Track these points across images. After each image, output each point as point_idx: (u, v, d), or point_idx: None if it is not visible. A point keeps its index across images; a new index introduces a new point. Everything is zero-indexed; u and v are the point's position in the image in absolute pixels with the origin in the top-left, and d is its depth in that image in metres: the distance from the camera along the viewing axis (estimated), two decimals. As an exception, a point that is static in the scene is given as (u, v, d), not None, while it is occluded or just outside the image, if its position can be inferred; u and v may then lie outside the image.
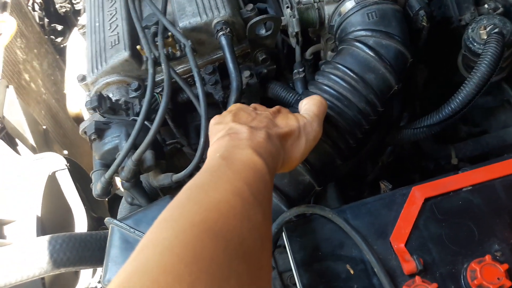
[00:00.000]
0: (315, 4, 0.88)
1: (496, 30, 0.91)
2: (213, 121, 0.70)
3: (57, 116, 1.66)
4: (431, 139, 1.15)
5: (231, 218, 0.49)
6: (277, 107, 0.73)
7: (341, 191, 1.16)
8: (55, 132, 1.56)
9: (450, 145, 1.15)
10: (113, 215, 1.50)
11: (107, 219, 0.70)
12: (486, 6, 1.04)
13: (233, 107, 0.71)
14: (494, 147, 1.14)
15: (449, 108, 0.88)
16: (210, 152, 0.62)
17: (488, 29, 0.92)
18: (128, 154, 0.79)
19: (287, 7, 0.90)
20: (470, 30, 0.96)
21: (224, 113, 0.70)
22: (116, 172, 0.82)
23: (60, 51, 1.92)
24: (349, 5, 0.86)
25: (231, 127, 0.64)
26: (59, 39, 1.96)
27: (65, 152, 1.50)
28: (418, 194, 0.64)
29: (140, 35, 0.87)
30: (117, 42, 0.91)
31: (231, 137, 0.62)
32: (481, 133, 1.21)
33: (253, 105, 0.74)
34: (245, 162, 0.57)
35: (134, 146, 0.80)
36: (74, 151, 1.61)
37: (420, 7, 0.89)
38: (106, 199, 1.24)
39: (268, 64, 0.96)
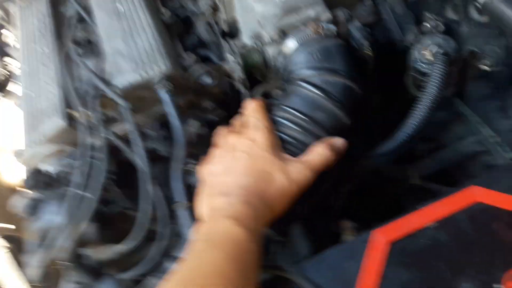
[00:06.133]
0: (257, 47, 0.87)
1: (441, 50, 0.91)
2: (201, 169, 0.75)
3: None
4: (391, 162, 1.14)
5: None
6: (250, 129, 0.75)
7: (308, 227, 1.13)
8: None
9: (410, 165, 1.14)
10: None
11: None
12: (428, 24, 1.05)
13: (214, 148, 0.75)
14: (453, 160, 1.15)
15: (404, 134, 0.88)
16: (195, 234, 0.65)
17: (433, 50, 0.92)
18: (66, 232, 0.73)
19: (229, 54, 0.87)
20: (415, 52, 0.96)
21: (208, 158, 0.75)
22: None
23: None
24: (291, 45, 0.84)
25: (209, 199, 0.67)
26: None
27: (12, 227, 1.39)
28: (381, 238, 0.61)
29: (74, 100, 0.82)
30: (52, 112, 0.86)
31: (211, 214, 0.64)
32: (438, 147, 1.21)
33: (229, 132, 0.76)
34: (226, 235, 0.59)
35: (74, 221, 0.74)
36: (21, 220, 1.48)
37: (362, 38, 0.88)
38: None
39: (218, 111, 0.94)
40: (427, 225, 0.62)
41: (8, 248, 1.06)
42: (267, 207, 0.65)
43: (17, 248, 1.10)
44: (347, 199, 1.07)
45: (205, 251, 0.58)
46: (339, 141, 0.77)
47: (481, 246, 0.60)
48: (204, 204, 0.69)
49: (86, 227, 0.73)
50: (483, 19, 0.99)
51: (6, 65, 1.54)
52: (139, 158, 0.76)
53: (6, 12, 1.45)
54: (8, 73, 1.57)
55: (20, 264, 1.07)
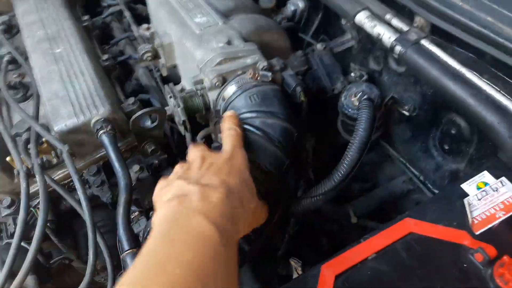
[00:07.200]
0: (198, 91, 0.89)
1: (365, 96, 0.99)
2: (159, 185, 0.60)
3: None
4: (329, 202, 1.19)
5: None
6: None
7: (255, 270, 1.12)
8: None
9: (347, 204, 1.20)
10: None
11: None
12: (352, 74, 1.15)
13: (178, 168, 0.62)
14: (386, 199, 1.22)
15: (339, 174, 0.92)
16: (154, 222, 0.52)
17: (358, 96, 1.01)
18: (5, 285, 0.67)
19: (170, 97, 0.89)
20: (343, 98, 1.04)
21: (171, 175, 0.61)
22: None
23: None
24: (230, 90, 0.88)
25: (179, 187, 0.55)
26: None
27: None
28: (328, 272, 0.63)
29: (9, 145, 0.78)
30: (-17, 158, 0.81)
31: (179, 200, 0.53)
32: (371, 187, 1.28)
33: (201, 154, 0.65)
34: (194, 234, 0.49)
35: (12, 274, 0.69)
36: None
37: (296, 84, 0.94)
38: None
39: (159, 154, 0.93)
40: (367, 257, 0.65)
41: None
42: (247, 211, 0.58)
43: None
44: (291, 240, 1.10)
45: (165, 254, 0.48)
46: None
47: (417, 273, 0.64)
48: (174, 183, 0.57)
49: (25, 279, 0.67)
50: (401, 69, 1.10)
51: None
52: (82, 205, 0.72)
53: None
54: None
55: None
